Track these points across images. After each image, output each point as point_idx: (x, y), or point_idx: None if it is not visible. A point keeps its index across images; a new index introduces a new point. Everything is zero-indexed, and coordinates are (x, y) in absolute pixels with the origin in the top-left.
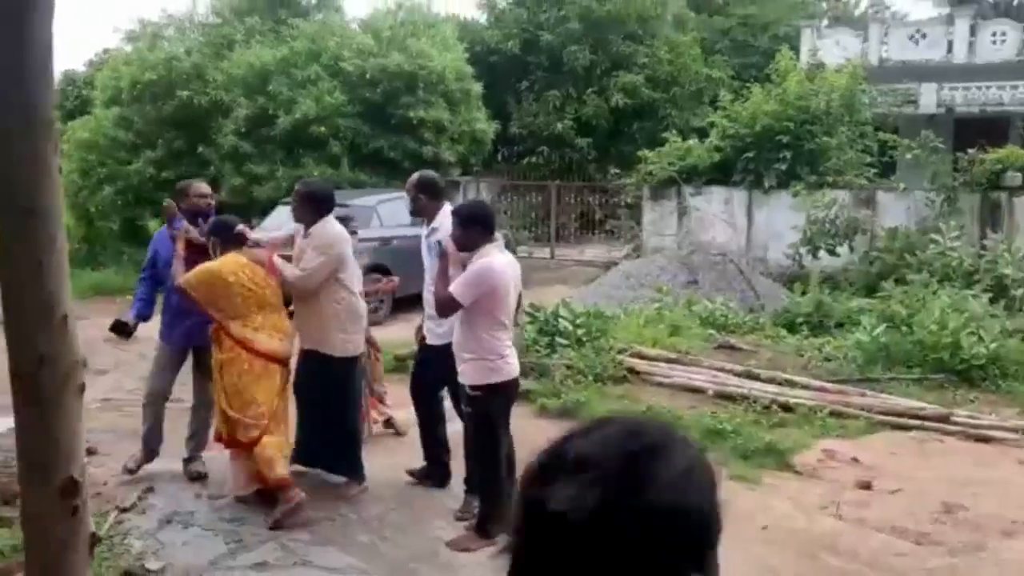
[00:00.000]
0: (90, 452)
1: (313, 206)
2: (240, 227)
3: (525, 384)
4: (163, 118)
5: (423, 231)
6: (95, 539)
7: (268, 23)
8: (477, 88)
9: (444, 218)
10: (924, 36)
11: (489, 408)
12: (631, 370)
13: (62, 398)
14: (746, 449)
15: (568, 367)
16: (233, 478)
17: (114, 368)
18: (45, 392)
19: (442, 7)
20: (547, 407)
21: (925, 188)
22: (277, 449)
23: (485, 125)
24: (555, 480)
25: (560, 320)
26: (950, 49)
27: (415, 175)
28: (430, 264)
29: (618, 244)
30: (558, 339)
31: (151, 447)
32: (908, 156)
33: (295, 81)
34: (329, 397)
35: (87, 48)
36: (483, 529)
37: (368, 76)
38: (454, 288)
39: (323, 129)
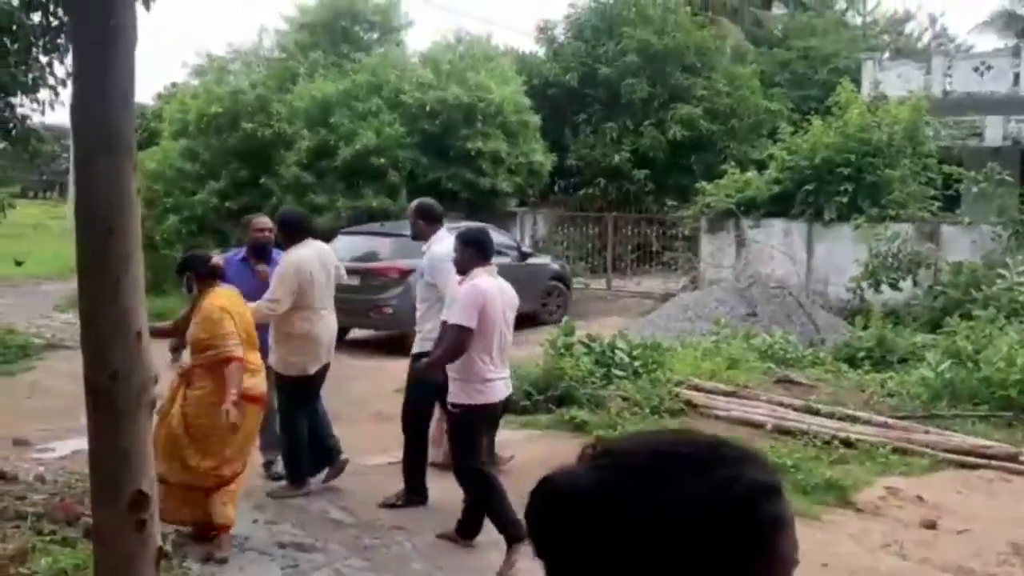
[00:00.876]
0: None
1: (284, 232)
2: (216, 259)
3: (581, 415)
4: (228, 150)
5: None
6: (162, 554)
7: (331, 57)
8: (535, 120)
9: (436, 241)
10: (989, 68)
11: (467, 427)
12: (688, 403)
13: (134, 412)
14: (806, 485)
15: (624, 399)
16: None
17: None
18: (118, 406)
19: (501, 40)
20: (602, 439)
21: (991, 222)
22: (235, 494)
23: (543, 157)
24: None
25: (616, 351)
26: (1016, 81)
27: (415, 202)
28: (421, 284)
29: (675, 276)
30: (614, 370)
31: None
32: (974, 189)
33: (356, 113)
34: (279, 407)
35: (156, 82)
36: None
37: (427, 108)
38: (454, 317)
39: (382, 160)
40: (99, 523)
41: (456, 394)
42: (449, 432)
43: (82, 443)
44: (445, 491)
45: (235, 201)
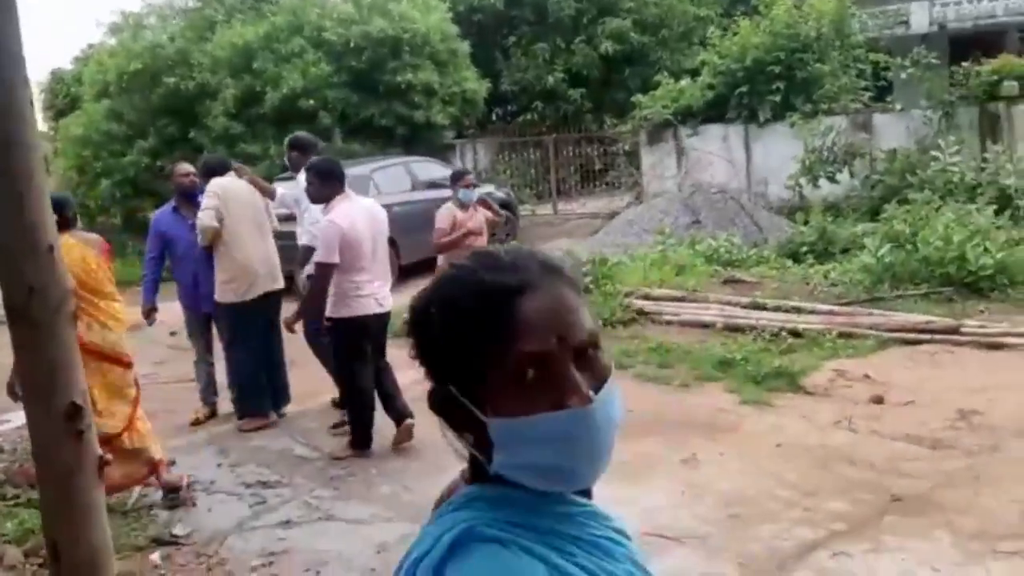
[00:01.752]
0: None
1: (204, 169)
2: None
3: None
4: (152, 107)
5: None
6: (103, 463)
7: (248, 1)
8: (464, 47)
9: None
10: None
11: (341, 339)
12: (640, 311)
13: (55, 327)
14: (757, 374)
15: None
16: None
17: None
18: (38, 321)
19: None
20: None
21: (922, 106)
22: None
23: (476, 84)
24: None
25: None
26: None
27: (289, 137)
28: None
29: (620, 193)
30: None
31: (210, 401)
32: (903, 76)
33: (279, 56)
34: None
35: (73, 46)
36: (355, 444)
37: (352, 44)
38: (317, 255)
39: (311, 102)
40: (36, 439)
41: (329, 308)
42: (330, 343)
43: None
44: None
45: (167, 159)
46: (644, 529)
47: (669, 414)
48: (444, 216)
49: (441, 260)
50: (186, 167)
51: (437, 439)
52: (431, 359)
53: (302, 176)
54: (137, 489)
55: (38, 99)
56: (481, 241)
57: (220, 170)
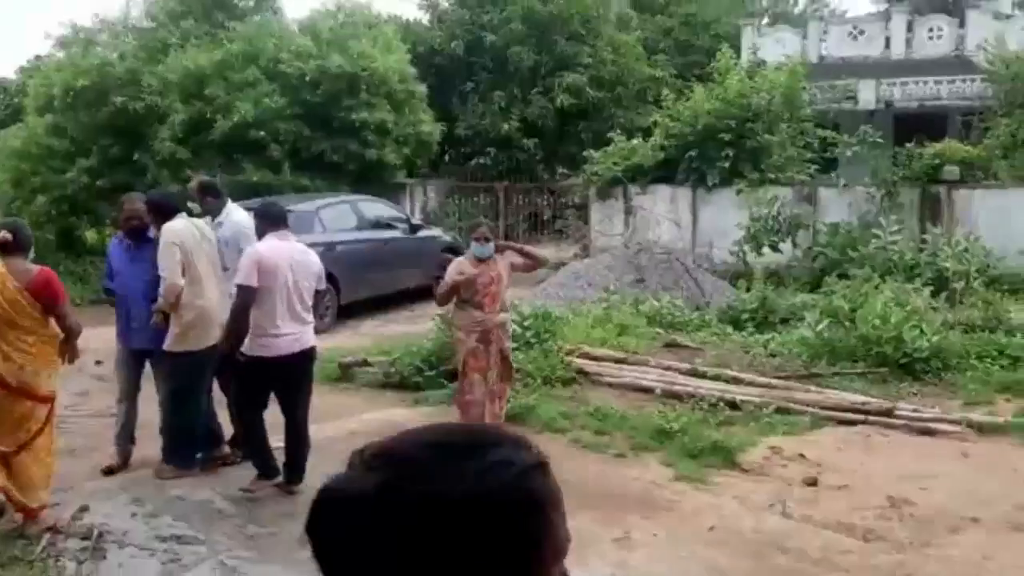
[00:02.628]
0: None
1: (154, 209)
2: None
3: None
4: (98, 125)
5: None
6: None
7: (204, 26)
8: (421, 90)
9: (232, 211)
10: (862, 33)
11: (248, 376)
12: (580, 371)
13: None
14: (693, 449)
15: (517, 370)
16: None
17: None
18: None
19: (383, 7)
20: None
21: (866, 184)
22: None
23: (431, 127)
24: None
25: None
26: (888, 45)
27: (195, 180)
28: (228, 253)
29: (567, 244)
30: None
31: (125, 448)
32: (848, 152)
33: (232, 84)
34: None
35: (19, 55)
36: (262, 475)
37: (308, 78)
38: (236, 278)
39: (262, 133)
40: None
41: (245, 345)
42: (233, 378)
43: None
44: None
45: (108, 179)
46: None
47: (605, 486)
48: (451, 270)
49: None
50: (138, 205)
51: None
52: None
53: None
54: (46, 537)
55: None
56: (500, 290)
57: (170, 211)
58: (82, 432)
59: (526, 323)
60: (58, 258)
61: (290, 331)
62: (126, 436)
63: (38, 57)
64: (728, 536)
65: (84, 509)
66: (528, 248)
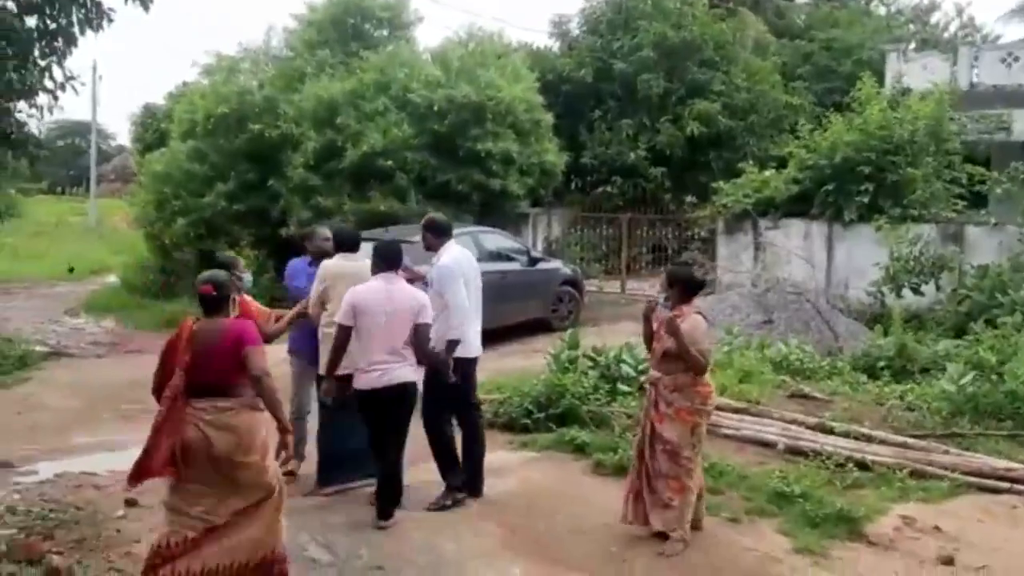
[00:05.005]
0: (129, 503)
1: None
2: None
3: (582, 435)
4: (236, 151)
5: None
6: None
7: (339, 55)
8: (547, 119)
9: (444, 253)
10: (1017, 59)
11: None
12: None
13: None
14: (815, 517)
15: (628, 416)
16: None
17: None
18: None
19: (514, 36)
20: (602, 463)
21: (1018, 223)
22: None
23: (555, 156)
24: None
25: (622, 364)
26: None
27: (426, 216)
28: (431, 294)
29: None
30: (620, 385)
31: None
32: (999, 189)
33: (363, 113)
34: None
35: (168, 82)
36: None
37: (436, 108)
38: (337, 316)
39: (390, 162)
40: None
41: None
42: None
43: (67, 465)
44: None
45: (243, 203)
46: None
47: (714, 555)
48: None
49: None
50: (326, 232)
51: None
52: None
53: (454, 256)
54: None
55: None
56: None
57: (351, 245)
58: None
59: (640, 367)
60: (194, 279)
61: (380, 366)
62: (297, 454)
63: (185, 84)
64: None
65: None
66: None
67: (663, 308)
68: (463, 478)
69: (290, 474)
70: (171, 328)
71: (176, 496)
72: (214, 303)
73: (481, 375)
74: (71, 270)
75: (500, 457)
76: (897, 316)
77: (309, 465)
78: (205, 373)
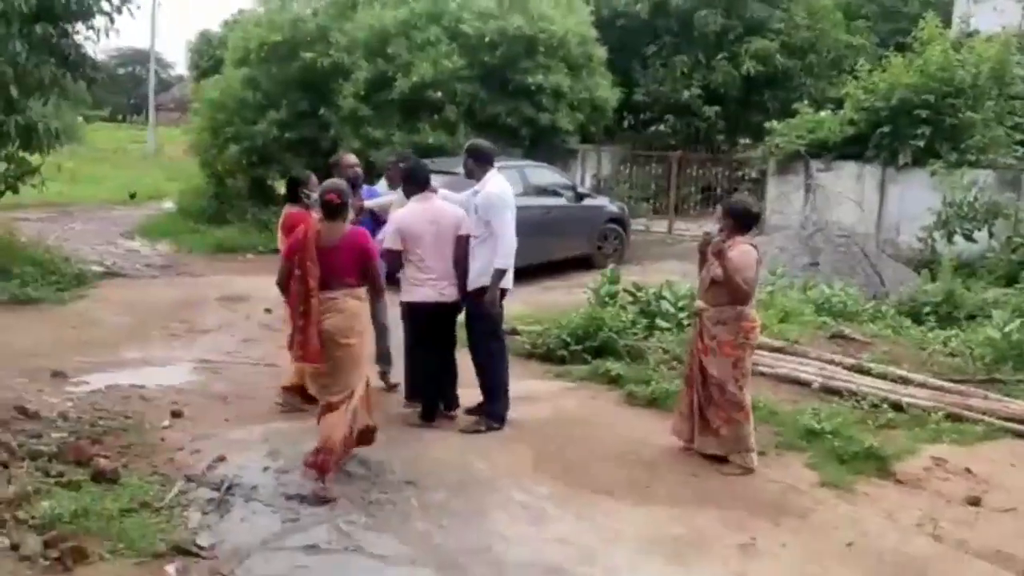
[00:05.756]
0: (175, 415)
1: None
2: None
3: (616, 367)
4: (288, 79)
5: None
6: None
7: None
8: (600, 53)
9: (488, 181)
10: None
11: (406, 318)
12: None
13: None
14: (843, 453)
15: (665, 352)
16: None
17: (218, 329)
18: None
19: None
20: (635, 394)
21: None
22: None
23: (607, 92)
24: None
25: (662, 301)
26: None
27: (468, 142)
28: (475, 220)
29: None
30: (659, 321)
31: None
32: None
33: (414, 44)
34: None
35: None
36: (424, 416)
37: (487, 39)
38: (385, 241)
39: (439, 94)
40: None
41: (400, 293)
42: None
43: (117, 377)
44: (451, 447)
45: (294, 132)
46: None
47: (738, 485)
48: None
49: None
50: (351, 158)
51: (488, 475)
52: None
53: (500, 184)
54: (179, 484)
55: (185, 58)
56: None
57: (424, 180)
58: (237, 379)
59: (680, 303)
60: (247, 205)
61: (432, 281)
62: (388, 360)
63: (240, 11)
64: (865, 555)
65: (221, 459)
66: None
67: (718, 240)
68: (506, 410)
69: (393, 386)
70: (220, 253)
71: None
72: (337, 209)
73: (522, 308)
74: (132, 196)
75: (535, 386)
76: (947, 263)
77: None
78: (328, 269)
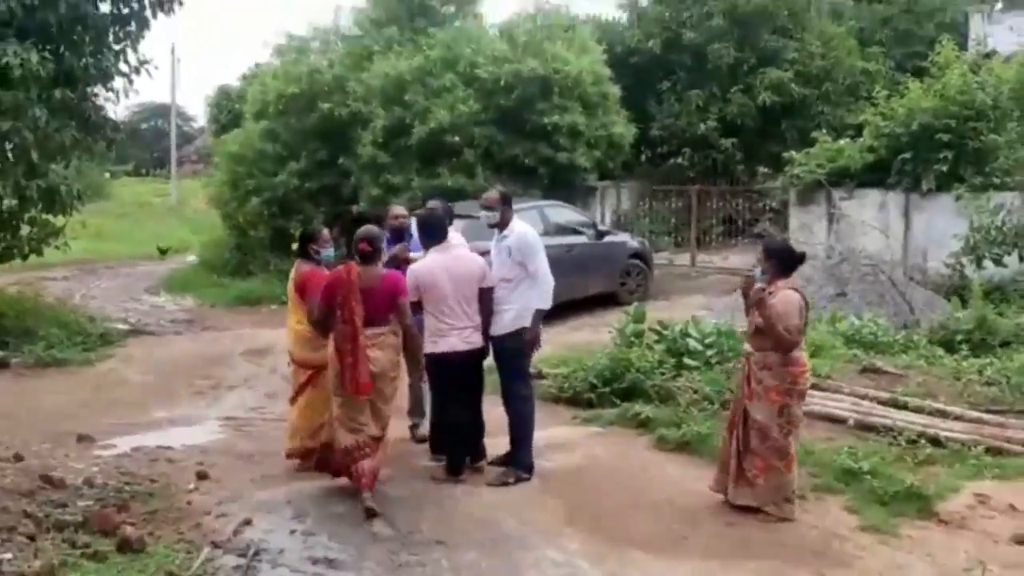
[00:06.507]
0: (201, 477)
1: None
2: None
3: (646, 411)
4: (306, 130)
5: (496, 239)
6: None
7: (407, 33)
8: (615, 91)
9: (516, 222)
10: None
11: (431, 372)
12: None
13: None
14: (884, 494)
15: (694, 391)
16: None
17: (243, 384)
18: None
19: (582, 8)
20: (666, 438)
21: None
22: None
23: (623, 129)
24: None
25: (688, 339)
26: None
27: (495, 192)
28: (506, 263)
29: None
30: (686, 359)
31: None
32: None
33: (430, 90)
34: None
35: (242, 64)
36: (450, 470)
37: (503, 83)
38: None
39: (457, 138)
40: None
41: (425, 345)
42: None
43: (144, 439)
44: (478, 504)
45: (314, 181)
46: None
47: (777, 534)
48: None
49: None
50: (399, 210)
51: (519, 532)
52: None
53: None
54: (206, 551)
55: (204, 114)
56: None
57: (437, 230)
58: (262, 436)
59: (707, 340)
60: (268, 256)
61: (457, 328)
62: (420, 412)
63: (258, 65)
64: None
65: (247, 523)
66: None
67: (760, 282)
68: (531, 460)
69: (421, 439)
70: (242, 306)
71: (344, 409)
72: (370, 256)
73: (547, 349)
74: (163, 252)
75: (564, 432)
76: (977, 288)
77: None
78: (370, 309)
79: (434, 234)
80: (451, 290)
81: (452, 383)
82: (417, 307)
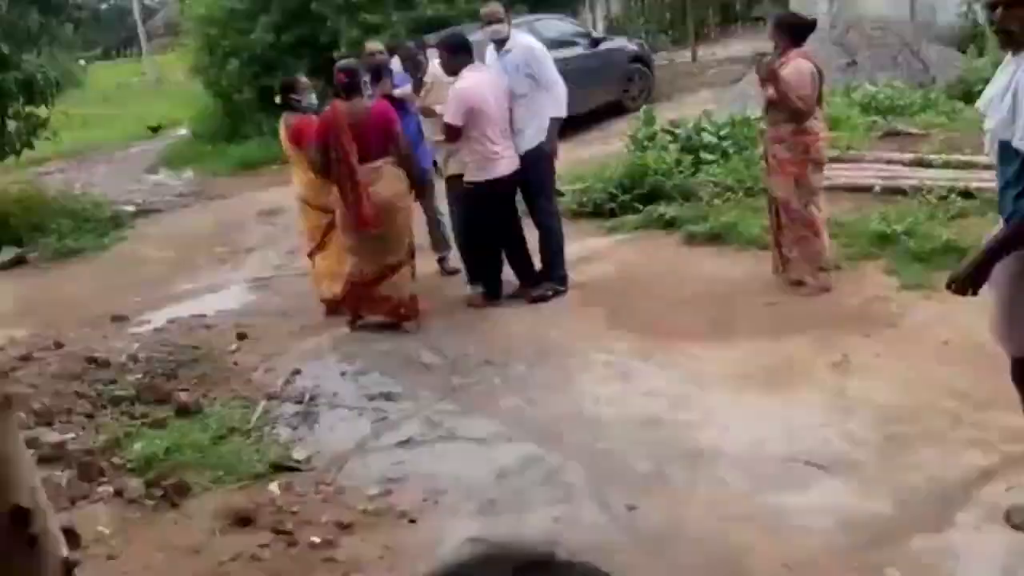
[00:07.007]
0: (240, 337)
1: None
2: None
3: (670, 210)
4: None
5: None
6: (69, 565)
7: None
8: None
9: (515, 38)
10: None
11: (478, 201)
12: None
13: None
14: (921, 251)
15: (715, 184)
16: None
17: (261, 245)
18: None
19: None
20: (694, 234)
21: None
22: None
23: None
24: None
25: (703, 134)
26: None
27: (495, 3)
28: (514, 79)
29: (764, 34)
30: (703, 154)
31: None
32: None
33: None
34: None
35: None
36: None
37: None
38: (446, 116)
39: None
40: None
41: (470, 173)
42: (462, 205)
43: (177, 311)
44: (523, 321)
45: (290, 33)
46: (786, 454)
47: (818, 305)
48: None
49: None
50: (374, 45)
51: (564, 341)
52: None
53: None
54: (261, 404)
55: None
56: None
57: (470, 47)
58: (291, 292)
59: (722, 132)
60: (259, 118)
61: (506, 153)
62: (447, 245)
63: None
64: (965, 351)
65: (296, 372)
66: None
67: (774, 59)
68: (565, 272)
69: (451, 272)
70: (245, 169)
71: (357, 244)
72: (350, 86)
73: (560, 167)
74: (154, 129)
75: (592, 243)
76: (991, 32)
77: None
78: (363, 143)
79: (463, 54)
80: (496, 110)
81: (497, 208)
82: (456, 134)
